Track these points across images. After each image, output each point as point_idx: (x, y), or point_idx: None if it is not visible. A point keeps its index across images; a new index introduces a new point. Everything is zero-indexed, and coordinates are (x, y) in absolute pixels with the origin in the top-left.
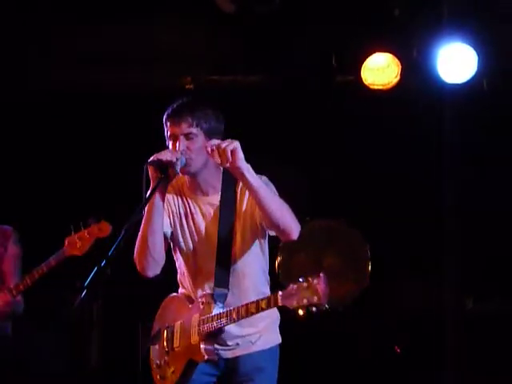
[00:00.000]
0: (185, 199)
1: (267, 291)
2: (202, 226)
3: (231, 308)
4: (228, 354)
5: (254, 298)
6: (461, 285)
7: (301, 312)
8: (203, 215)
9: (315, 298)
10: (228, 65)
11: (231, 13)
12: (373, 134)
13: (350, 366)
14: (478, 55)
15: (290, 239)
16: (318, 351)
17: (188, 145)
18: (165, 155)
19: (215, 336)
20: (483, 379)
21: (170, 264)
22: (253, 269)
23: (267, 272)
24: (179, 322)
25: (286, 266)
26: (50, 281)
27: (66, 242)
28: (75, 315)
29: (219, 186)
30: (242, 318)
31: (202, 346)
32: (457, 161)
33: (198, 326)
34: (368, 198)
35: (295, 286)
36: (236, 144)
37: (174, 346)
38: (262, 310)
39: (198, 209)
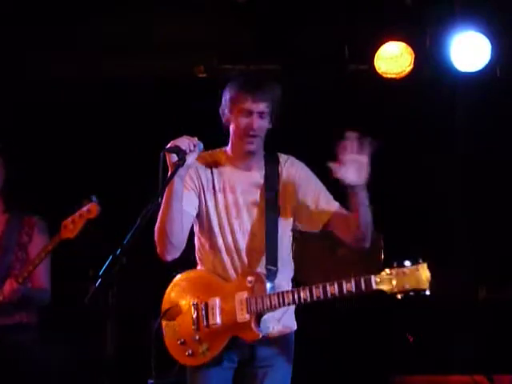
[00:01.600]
0: (223, 173)
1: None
2: (243, 201)
3: (295, 289)
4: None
5: (289, 279)
6: (474, 275)
7: (399, 296)
8: (244, 191)
9: (420, 285)
10: (241, 54)
11: (243, 2)
12: (386, 123)
13: (363, 354)
14: (491, 43)
15: (360, 248)
16: (329, 340)
17: (261, 124)
18: (182, 142)
19: (262, 316)
20: (496, 368)
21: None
22: (288, 248)
23: None
24: (216, 299)
25: (300, 256)
26: (64, 270)
27: (62, 226)
28: (90, 304)
29: (262, 164)
30: (317, 299)
31: (253, 324)
32: (470, 149)
33: (248, 304)
34: (380, 187)
35: (394, 272)
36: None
37: (211, 323)
38: (348, 292)
39: (238, 183)
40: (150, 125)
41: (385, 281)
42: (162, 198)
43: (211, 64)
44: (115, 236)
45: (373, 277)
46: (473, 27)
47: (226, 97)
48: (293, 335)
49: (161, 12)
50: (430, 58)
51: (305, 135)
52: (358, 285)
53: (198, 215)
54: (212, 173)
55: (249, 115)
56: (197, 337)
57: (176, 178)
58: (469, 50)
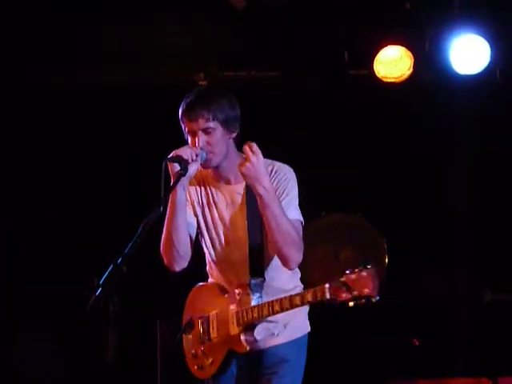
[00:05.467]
0: (208, 189)
1: (298, 282)
2: (227, 214)
3: (272, 299)
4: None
5: (287, 288)
6: (479, 276)
7: (351, 304)
8: (227, 204)
9: (366, 291)
10: (241, 60)
11: (242, 9)
12: (386, 127)
13: (366, 357)
14: (491, 46)
15: (286, 268)
16: (334, 343)
17: (208, 139)
18: (184, 151)
19: (255, 326)
20: (500, 370)
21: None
22: None
23: None
24: (214, 313)
25: (303, 260)
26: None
27: None
28: (90, 313)
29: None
30: (286, 310)
31: (242, 337)
32: (470, 152)
33: (237, 316)
34: (382, 190)
35: (343, 279)
36: (253, 159)
37: (212, 336)
38: (308, 302)
39: (221, 197)
40: (151, 133)
41: (336, 289)
42: (164, 208)
43: (211, 71)
44: (117, 245)
45: (326, 285)
46: (472, 30)
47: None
48: (305, 338)
49: (161, 19)
50: (429, 61)
51: (305, 140)
52: (315, 295)
53: (197, 229)
54: (199, 188)
55: (194, 135)
56: (203, 350)
57: (179, 188)
58: (468, 52)
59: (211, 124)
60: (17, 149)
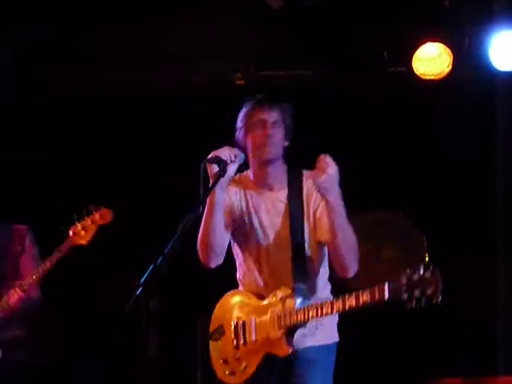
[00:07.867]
0: (249, 195)
1: (330, 294)
2: (267, 221)
3: (320, 302)
4: None
5: (322, 296)
6: None
7: (412, 304)
8: (268, 210)
9: (429, 291)
10: (278, 60)
11: (278, 9)
12: (426, 125)
13: (408, 356)
14: None
15: (342, 276)
16: (361, 344)
17: (276, 131)
18: (223, 152)
19: (296, 330)
20: None
21: (226, 261)
22: (321, 265)
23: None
24: (252, 317)
25: None
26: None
27: (71, 233)
28: (130, 312)
29: (285, 181)
30: (337, 311)
31: (283, 340)
32: (511, 149)
33: (279, 320)
34: (422, 188)
35: (404, 279)
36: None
37: (248, 341)
38: (364, 303)
39: (262, 204)
40: (189, 134)
41: (396, 289)
42: (202, 208)
43: (249, 71)
44: (156, 245)
45: (386, 285)
46: (511, 26)
47: (240, 120)
48: (333, 347)
49: (198, 18)
50: (468, 58)
51: (345, 138)
52: (372, 295)
53: (232, 234)
54: (239, 194)
55: (264, 126)
56: (237, 356)
57: (217, 189)
58: (508, 49)
59: (279, 121)
60: (18, 150)
